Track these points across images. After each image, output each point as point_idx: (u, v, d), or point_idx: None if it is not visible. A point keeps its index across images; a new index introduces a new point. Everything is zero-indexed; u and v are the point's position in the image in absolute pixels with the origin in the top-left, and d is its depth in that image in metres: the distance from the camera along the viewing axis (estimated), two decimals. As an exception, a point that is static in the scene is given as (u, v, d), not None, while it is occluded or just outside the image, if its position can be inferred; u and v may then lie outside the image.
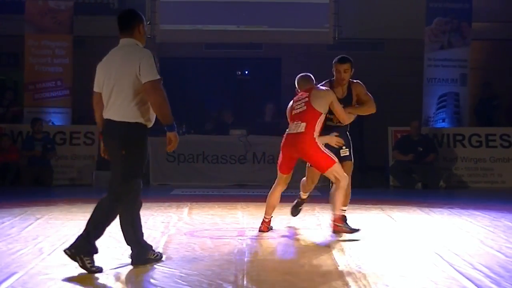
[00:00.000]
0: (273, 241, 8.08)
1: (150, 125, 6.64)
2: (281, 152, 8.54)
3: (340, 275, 6.29)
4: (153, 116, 6.63)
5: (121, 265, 6.61)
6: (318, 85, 8.53)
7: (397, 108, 17.04)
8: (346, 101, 8.60)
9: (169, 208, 10.92)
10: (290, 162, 8.48)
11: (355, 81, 8.75)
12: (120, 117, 6.46)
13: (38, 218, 9.62)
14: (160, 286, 5.88)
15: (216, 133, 16.31)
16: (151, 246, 6.88)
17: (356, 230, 8.24)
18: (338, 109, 8.42)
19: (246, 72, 19.27)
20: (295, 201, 9.29)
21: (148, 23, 17.99)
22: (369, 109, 8.75)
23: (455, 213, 10.57)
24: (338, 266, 6.66)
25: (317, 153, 8.24)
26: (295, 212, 9.35)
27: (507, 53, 18.71)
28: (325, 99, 8.33)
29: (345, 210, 8.69)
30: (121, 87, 6.46)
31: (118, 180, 6.53)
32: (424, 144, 15.33)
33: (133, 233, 6.71)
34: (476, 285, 5.94)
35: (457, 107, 16.58)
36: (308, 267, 6.67)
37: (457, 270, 6.45)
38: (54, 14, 16.67)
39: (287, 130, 8.50)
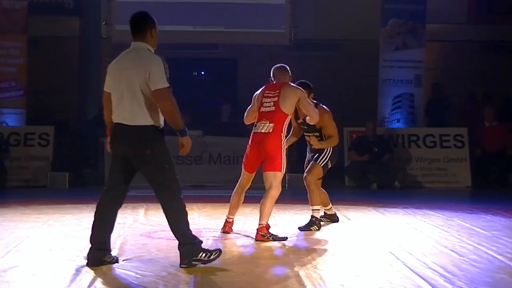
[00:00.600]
0: (230, 242, 8.08)
1: (161, 127, 6.73)
2: (248, 150, 8.51)
3: (296, 275, 6.30)
4: (163, 119, 6.72)
5: (77, 267, 6.56)
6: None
7: (352, 108, 17.13)
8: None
9: (125, 209, 10.77)
10: (256, 161, 8.49)
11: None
12: (133, 121, 6.53)
13: (-8, 220, 9.52)
14: (115, 287, 5.86)
15: (172, 134, 16.22)
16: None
17: (284, 239, 8.19)
18: (306, 107, 8.46)
19: (203, 72, 19.25)
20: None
21: (103, 23, 17.91)
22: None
23: (410, 213, 10.66)
24: (294, 266, 6.67)
25: (277, 154, 8.26)
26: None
27: (461, 54, 18.91)
28: (290, 99, 8.34)
29: (318, 210, 9.09)
30: (132, 91, 6.52)
31: (160, 177, 6.70)
32: (380, 144, 15.43)
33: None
34: (430, 284, 5.99)
35: (412, 108, 16.72)
36: (264, 268, 6.68)
37: (411, 270, 6.51)
38: (8, 14, 16.46)
39: (254, 128, 8.50)
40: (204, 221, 9.66)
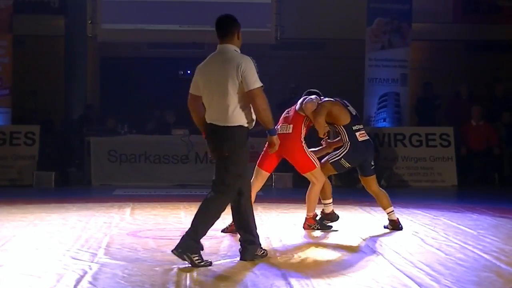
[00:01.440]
0: (216, 241, 8.08)
1: (251, 126, 6.84)
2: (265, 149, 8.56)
3: (283, 274, 6.31)
4: (254, 118, 6.82)
5: (63, 266, 6.54)
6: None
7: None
8: None
9: (111, 208, 10.85)
10: (274, 160, 8.71)
11: None
12: (224, 122, 6.69)
13: (-23, 220, 9.48)
14: (102, 287, 5.84)
15: (158, 133, 16.24)
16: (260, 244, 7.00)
17: (329, 227, 8.77)
18: (317, 119, 8.74)
19: (189, 71, 19.21)
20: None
21: (89, 22, 17.86)
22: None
23: (396, 212, 10.65)
24: (281, 266, 6.68)
25: (300, 153, 8.62)
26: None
27: (446, 53, 18.98)
28: (306, 106, 8.72)
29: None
30: (223, 93, 6.67)
31: (224, 180, 6.76)
32: (365, 143, 15.42)
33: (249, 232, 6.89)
34: (416, 283, 6.01)
35: (398, 107, 16.75)
36: (250, 267, 6.68)
37: (398, 269, 6.52)
38: (-9, 13, 16.41)
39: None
40: (190, 220, 9.61)
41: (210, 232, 6.87)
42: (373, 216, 10.32)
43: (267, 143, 8.05)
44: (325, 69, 18.23)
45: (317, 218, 8.93)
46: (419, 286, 5.92)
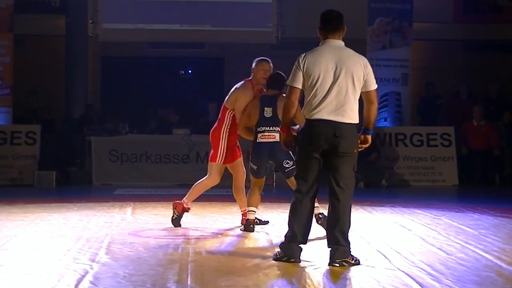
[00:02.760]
0: (217, 240, 8.08)
1: None
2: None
3: (284, 274, 6.31)
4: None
5: (64, 266, 6.54)
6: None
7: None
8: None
9: (112, 208, 10.85)
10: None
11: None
12: (349, 119, 6.63)
13: (-22, 219, 9.48)
14: (103, 286, 5.84)
15: (159, 132, 16.24)
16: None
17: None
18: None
19: (189, 71, 19.25)
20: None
21: (90, 22, 17.86)
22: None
23: (397, 211, 10.68)
24: (282, 266, 6.67)
25: (216, 145, 8.87)
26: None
27: (447, 53, 18.97)
28: (232, 95, 8.86)
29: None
30: (345, 90, 6.62)
31: (350, 178, 6.72)
32: (366, 143, 15.43)
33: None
34: (417, 282, 6.01)
35: (399, 107, 16.77)
36: (252, 266, 6.67)
37: (399, 268, 6.52)
38: (-6, 12, 16.42)
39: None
40: (191, 219, 9.65)
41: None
42: (374, 215, 10.31)
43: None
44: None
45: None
46: (420, 285, 5.92)
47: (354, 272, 6.42)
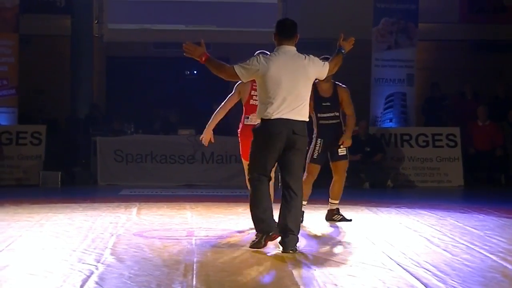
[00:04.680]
0: (223, 241, 8.08)
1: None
2: (241, 142, 8.82)
3: (289, 274, 6.31)
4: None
5: (69, 266, 6.55)
6: None
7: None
8: (332, 101, 9.34)
9: (118, 208, 10.86)
10: None
11: (343, 86, 9.09)
12: (303, 117, 7.36)
13: (-17, 219, 9.49)
14: (108, 287, 5.85)
15: (164, 132, 16.26)
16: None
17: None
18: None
19: (195, 71, 19.25)
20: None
21: (96, 22, 17.89)
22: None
23: (403, 212, 10.67)
24: (287, 266, 6.68)
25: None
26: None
27: (453, 53, 18.94)
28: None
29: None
30: (299, 90, 7.34)
31: (301, 171, 7.57)
32: (372, 144, 15.44)
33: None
34: (423, 283, 6.00)
35: (404, 107, 16.75)
36: (257, 268, 6.67)
37: (404, 269, 6.52)
38: (-1, 12, 16.45)
39: (245, 120, 8.80)
40: (197, 220, 9.66)
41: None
42: (379, 216, 10.31)
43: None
44: (332, 69, 18.18)
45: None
46: (425, 286, 5.92)
47: (358, 272, 6.42)
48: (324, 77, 7.76)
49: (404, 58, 16.88)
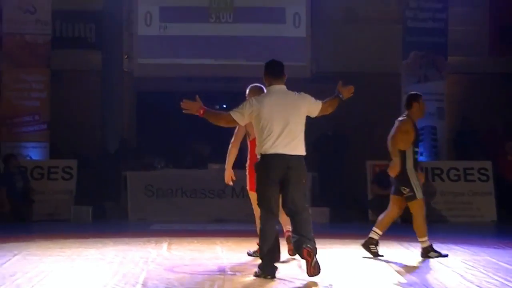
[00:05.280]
0: (253, 276, 8.05)
1: None
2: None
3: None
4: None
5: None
6: None
7: (375, 142, 17.09)
8: None
9: (148, 243, 10.87)
10: None
11: None
12: (299, 151, 7.79)
13: (15, 254, 9.53)
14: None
15: (195, 167, 16.28)
16: None
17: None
18: None
19: (224, 106, 19.29)
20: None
21: (126, 57, 18.03)
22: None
23: (435, 247, 10.57)
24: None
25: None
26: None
27: (482, 86, 18.85)
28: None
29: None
30: (293, 126, 7.77)
31: (304, 199, 7.87)
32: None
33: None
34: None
35: (435, 141, 16.67)
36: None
37: (438, 306, 6.46)
38: (31, 48, 16.62)
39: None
40: (227, 255, 9.64)
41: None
42: (411, 251, 10.24)
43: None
44: (361, 102, 18.12)
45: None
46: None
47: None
48: (316, 115, 8.01)
49: (434, 91, 16.82)
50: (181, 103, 8.07)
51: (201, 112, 8.07)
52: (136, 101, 19.03)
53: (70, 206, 15.07)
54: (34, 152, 16.37)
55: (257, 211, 8.60)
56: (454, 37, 17.35)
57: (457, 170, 15.89)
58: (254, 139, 8.73)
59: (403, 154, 9.52)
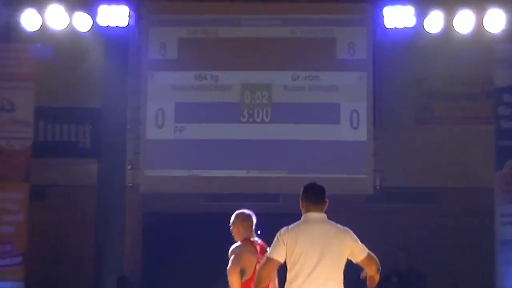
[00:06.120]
0: None
1: None
2: None
3: None
4: None
5: None
6: None
7: (459, 278, 16.87)
8: None
9: None
10: None
11: None
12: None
13: None
14: None
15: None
16: None
17: None
18: None
19: (259, 232, 19.14)
20: None
21: (129, 167, 17.98)
22: None
23: None
24: None
25: None
26: None
27: None
28: None
29: None
30: (329, 265, 8.19)
31: None
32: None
33: None
34: None
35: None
36: None
37: None
38: (6, 156, 16.63)
39: None
40: None
41: None
42: None
43: None
44: (439, 227, 18.02)
45: None
46: None
47: None
48: (358, 261, 8.36)
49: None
50: None
51: None
52: (141, 226, 18.96)
53: None
54: (3, 296, 16.25)
55: None
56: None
57: None
58: (248, 280, 10.02)
59: None
